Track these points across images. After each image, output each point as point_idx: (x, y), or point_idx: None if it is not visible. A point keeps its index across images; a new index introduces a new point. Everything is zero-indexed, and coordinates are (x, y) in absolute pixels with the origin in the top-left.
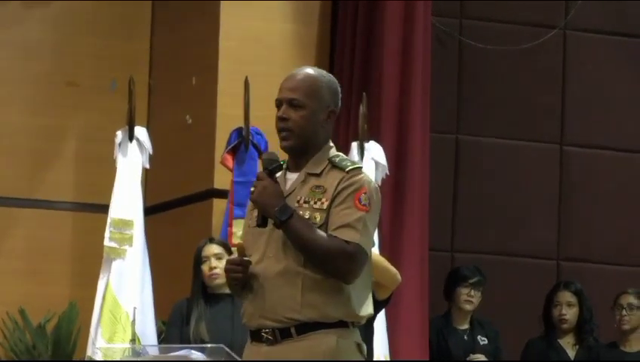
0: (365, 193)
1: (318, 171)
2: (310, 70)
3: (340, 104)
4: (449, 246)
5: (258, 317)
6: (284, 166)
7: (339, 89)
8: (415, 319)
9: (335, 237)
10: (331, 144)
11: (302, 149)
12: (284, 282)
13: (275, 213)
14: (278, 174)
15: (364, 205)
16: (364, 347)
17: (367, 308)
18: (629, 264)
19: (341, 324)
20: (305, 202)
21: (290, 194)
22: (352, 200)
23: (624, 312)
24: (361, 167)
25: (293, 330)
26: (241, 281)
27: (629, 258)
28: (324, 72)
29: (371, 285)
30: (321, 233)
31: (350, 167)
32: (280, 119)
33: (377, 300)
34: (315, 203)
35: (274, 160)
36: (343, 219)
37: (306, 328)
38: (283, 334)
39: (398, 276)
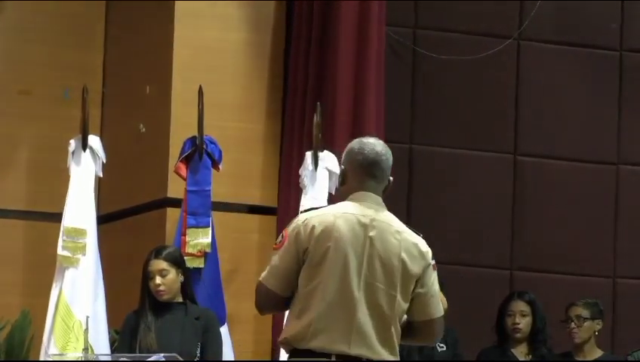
0: (281, 233)
1: None
2: None
3: (349, 159)
4: None
5: None
6: None
7: (354, 148)
8: None
9: None
10: (353, 196)
11: None
12: None
13: None
14: None
15: (274, 244)
16: None
17: (288, 330)
18: (582, 274)
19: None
20: None
21: None
22: None
23: (573, 325)
24: (304, 210)
25: None
26: None
27: (582, 268)
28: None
29: (296, 307)
30: None
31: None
32: None
33: None
34: None
35: None
36: None
37: None
38: None
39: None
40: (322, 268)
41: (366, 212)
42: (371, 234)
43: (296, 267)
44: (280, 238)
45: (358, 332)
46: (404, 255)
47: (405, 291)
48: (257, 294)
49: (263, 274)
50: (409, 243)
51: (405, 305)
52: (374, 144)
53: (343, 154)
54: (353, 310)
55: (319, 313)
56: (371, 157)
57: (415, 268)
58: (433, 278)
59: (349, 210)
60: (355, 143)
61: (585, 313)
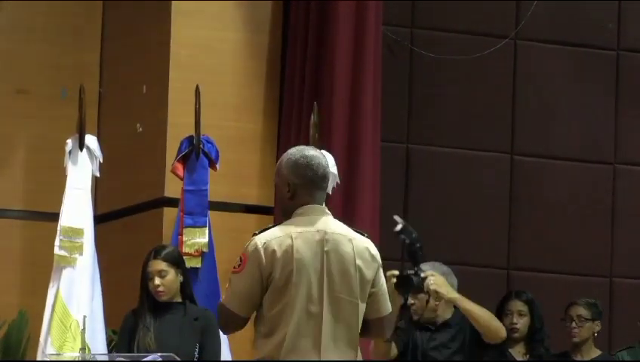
0: (239, 257)
1: None
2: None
3: (298, 174)
4: (399, 256)
5: None
6: None
7: (300, 163)
8: None
9: None
10: (300, 211)
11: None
12: None
13: None
14: None
15: (233, 267)
16: None
17: (261, 350)
18: (580, 273)
19: None
20: None
21: None
22: None
23: (573, 324)
24: (257, 232)
25: None
26: None
27: (580, 267)
28: (292, 150)
29: (264, 327)
30: None
31: None
32: None
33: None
34: None
35: None
36: None
37: None
38: None
39: (502, 332)
40: (287, 290)
41: (319, 226)
42: (327, 248)
43: (259, 290)
44: (239, 262)
45: (326, 346)
46: (359, 262)
47: (364, 295)
48: (220, 316)
49: (224, 296)
50: (361, 248)
51: (364, 307)
52: (318, 157)
53: (286, 168)
54: (319, 325)
55: (288, 333)
56: (321, 172)
57: (369, 272)
58: (383, 277)
59: (302, 227)
60: (298, 157)
61: (586, 313)
